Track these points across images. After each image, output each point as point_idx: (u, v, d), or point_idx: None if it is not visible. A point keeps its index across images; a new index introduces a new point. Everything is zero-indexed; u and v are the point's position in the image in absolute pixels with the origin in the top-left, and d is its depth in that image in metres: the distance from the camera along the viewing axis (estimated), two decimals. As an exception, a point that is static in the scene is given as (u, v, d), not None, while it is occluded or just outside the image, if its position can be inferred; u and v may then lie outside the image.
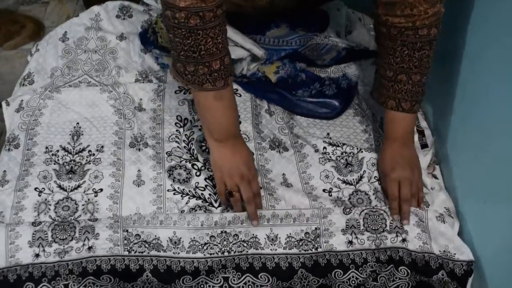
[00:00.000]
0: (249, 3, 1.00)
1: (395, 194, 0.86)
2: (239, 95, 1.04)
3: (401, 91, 0.85)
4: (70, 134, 0.96)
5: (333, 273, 0.81)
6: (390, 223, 0.85)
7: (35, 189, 0.88)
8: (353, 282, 0.80)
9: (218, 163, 0.85)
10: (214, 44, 0.74)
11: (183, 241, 0.83)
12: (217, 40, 0.74)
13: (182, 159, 0.94)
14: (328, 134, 0.99)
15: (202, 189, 0.90)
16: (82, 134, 0.97)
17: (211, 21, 0.71)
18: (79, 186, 0.89)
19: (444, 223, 0.85)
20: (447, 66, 0.92)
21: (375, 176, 0.92)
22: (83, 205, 0.87)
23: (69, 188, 0.89)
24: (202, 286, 0.79)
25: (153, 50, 1.09)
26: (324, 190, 0.90)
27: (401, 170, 0.87)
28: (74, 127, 0.98)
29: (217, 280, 0.79)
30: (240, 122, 0.97)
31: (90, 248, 0.81)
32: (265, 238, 0.83)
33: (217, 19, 0.72)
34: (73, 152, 0.94)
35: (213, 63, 0.75)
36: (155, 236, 0.83)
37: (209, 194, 0.89)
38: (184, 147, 0.96)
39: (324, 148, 0.95)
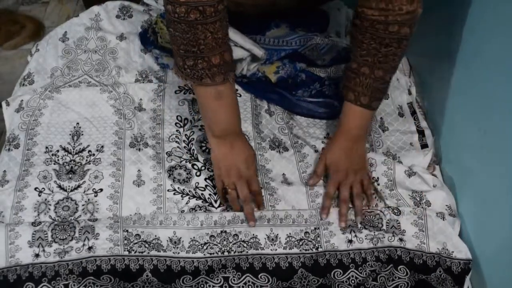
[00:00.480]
0: (250, 1, 1.00)
1: (331, 194, 0.87)
2: (239, 95, 1.04)
3: (362, 84, 0.84)
4: (70, 134, 0.96)
5: (332, 273, 0.81)
6: (387, 222, 0.85)
7: (35, 189, 0.88)
8: (353, 281, 0.80)
9: (217, 160, 0.85)
10: (214, 39, 0.74)
11: (183, 241, 0.83)
12: (217, 35, 0.74)
13: (182, 159, 0.94)
14: (328, 134, 0.99)
15: (202, 189, 0.90)
16: (82, 134, 0.97)
17: (211, 16, 0.71)
18: (79, 186, 0.89)
19: (444, 220, 0.85)
20: (447, 66, 0.92)
21: (373, 177, 0.92)
22: (83, 205, 0.87)
23: (69, 188, 0.89)
24: (202, 285, 0.79)
25: (153, 50, 1.09)
26: (324, 190, 0.90)
27: (344, 170, 0.86)
28: (74, 127, 0.98)
29: (217, 280, 0.79)
30: (240, 122, 0.98)
31: (90, 248, 0.81)
32: (265, 238, 0.83)
33: (218, 14, 0.72)
34: (73, 152, 0.94)
35: (213, 58, 0.75)
36: (155, 236, 0.83)
37: (209, 194, 0.89)
38: (184, 147, 0.96)
39: (323, 149, 0.95)
